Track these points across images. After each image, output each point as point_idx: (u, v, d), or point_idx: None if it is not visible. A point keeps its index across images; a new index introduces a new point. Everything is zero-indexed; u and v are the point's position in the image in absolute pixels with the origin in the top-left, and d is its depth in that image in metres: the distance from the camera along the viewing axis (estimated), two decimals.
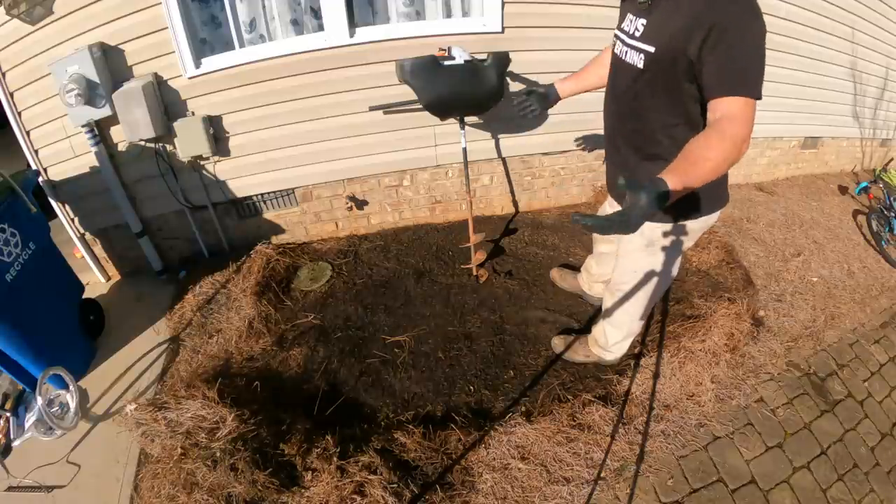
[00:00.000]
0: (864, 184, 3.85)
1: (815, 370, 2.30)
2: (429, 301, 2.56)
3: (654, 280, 1.68)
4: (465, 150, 2.41)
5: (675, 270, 1.70)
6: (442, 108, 2.23)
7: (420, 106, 2.23)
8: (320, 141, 2.74)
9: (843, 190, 4.22)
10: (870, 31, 3.78)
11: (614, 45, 1.42)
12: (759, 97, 1.11)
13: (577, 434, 1.85)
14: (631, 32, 1.29)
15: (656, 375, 2.10)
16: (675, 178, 1.04)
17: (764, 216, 3.43)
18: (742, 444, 1.94)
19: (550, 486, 1.73)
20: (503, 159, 3.05)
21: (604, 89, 1.57)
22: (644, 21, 1.24)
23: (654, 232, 1.53)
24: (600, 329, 2.04)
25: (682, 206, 1.30)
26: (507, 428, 1.88)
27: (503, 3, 2.51)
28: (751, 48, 1.09)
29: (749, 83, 1.10)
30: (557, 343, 2.24)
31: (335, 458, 1.71)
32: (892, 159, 4.90)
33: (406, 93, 2.25)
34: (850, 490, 1.89)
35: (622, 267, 1.72)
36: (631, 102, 1.36)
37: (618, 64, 1.39)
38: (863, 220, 3.66)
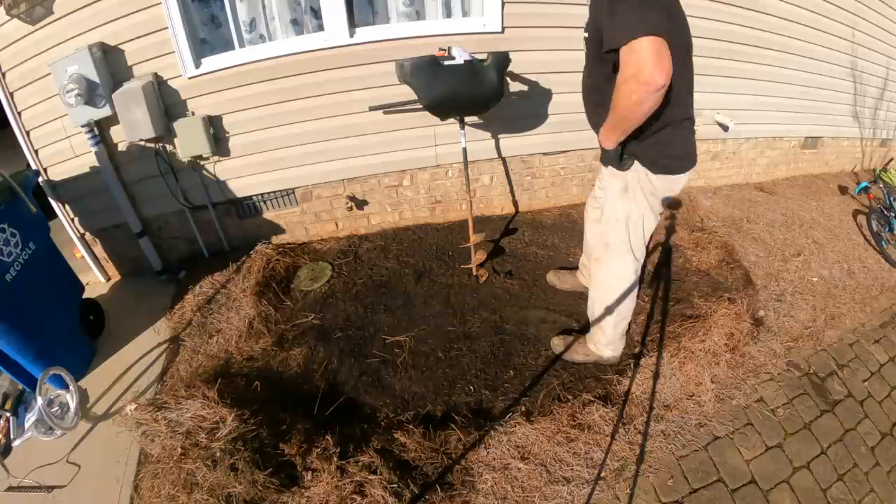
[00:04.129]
0: (864, 184, 3.85)
1: (815, 370, 2.30)
2: (429, 301, 2.56)
3: (630, 232, 1.83)
4: (464, 149, 2.41)
5: (648, 224, 1.84)
6: (442, 108, 2.23)
7: (420, 106, 2.23)
8: (320, 141, 2.74)
9: (843, 190, 4.22)
10: (870, 31, 3.78)
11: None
12: (637, 35, 1.28)
13: (577, 434, 1.85)
14: (586, 24, 1.64)
15: (656, 375, 2.10)
16: (608, 129, 1.57)
17: (764, 216, 3.43)
18: (742, 444, 1.94)
19: (550, 486, 1.73)
20: (503, 159, 3.05)
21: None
22: (588, 17, 1.61)
23: (627, 175, 1.75)
24: (595, 316, 2.08)
25: (645, 155, 1.66)
26: (507, 428, 1.87)
27: (503, 3, 2.51)
28: (631, 3, 1.30)
29: (629, 29, 1.29)
30: (557, 343, 2.25)
31: (335, 458, 1.71)
32: (892, 159, 4.90)
33: (406, 93, 2.25)
34: (850, 490, 1.89)
35: (606, 218, 1.89)
36: (586, 68, 1.76)
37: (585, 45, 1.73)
38: (863, 220, 3.66)
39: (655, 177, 1.69)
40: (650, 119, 1.48)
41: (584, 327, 2.36)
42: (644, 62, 1.29)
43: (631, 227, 1.83)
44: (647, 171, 1.69)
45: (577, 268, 2.59)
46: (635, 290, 1.98)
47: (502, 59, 2.23)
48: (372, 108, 2.55)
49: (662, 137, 1.62)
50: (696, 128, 1.73)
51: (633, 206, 1.78)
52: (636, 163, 1.69)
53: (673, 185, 1.75)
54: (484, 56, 2.20)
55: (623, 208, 1.80)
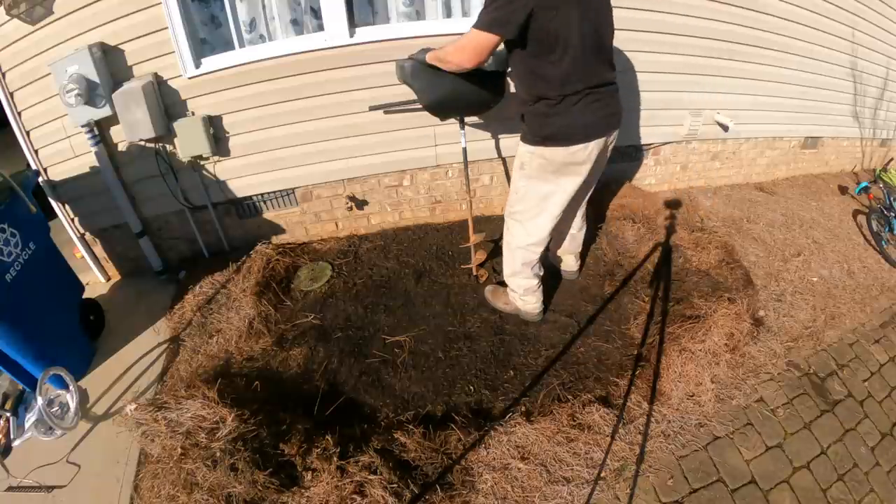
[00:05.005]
0: (864, 184, 3.85)
1: (815, 370, 2.30)
2: (429, 301, 2.56)
3: (529, 205, 2.05)
4: (465, 150, 2.41)
5: (551, 204, 2.01)
6: (443, 108, 2.22)
7: (420, 105, 2.22)
8: (320, 141, 2.74)
9: (843, 190, 4.22)
10: (870, 31, 3.78)
11: None
12: (480, 28, 1.63)
13: (577, 434, 1.85)
14: None
15: (656, 375, 2.10)
16: (432, 53, 1.88)
17: (764, 216, 3.43)
18: (742, 444, 1.94)
19: (550, 486, 1.73)
20: (503, 159, 3.05)
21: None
22: None
23: (522, 154, 1.98)
24: (505, 273, 2.33)
25: (533, 133, 1.88)
26: (507, 428, 1.87)
27: None
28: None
29: (479, 20, 1.64)
30: (488, 290, 2.53)
31: (335, 458, 1.71)
32: (892, 159, 4.90)
33: (406, 92, 2.25)
34: (850, 490, 1.89)
35: (510, 190, 2.14)
36: None
37: None
38: (863, 220, 3.66)
39: (542, 147, 1.88)
40: (526, 94, 1.83)
41: (584, 327, 2.36)
42: (462, 43, 1.69)
43: (528, 204, 2.05)
44: (534, 146, 1.90)
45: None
46: (534, 258, 2.19)
47: (503, 57, 2.22)
48: (372, 108, 2.54)
49: (538, 110, 1.82)
50: (599, 103, 1.84)
51: (528, 181, 2.00)
52: (524, 142, 1.95)
53: (557, 153, 1.87)
54: None
55: (523, 185, 2.02)
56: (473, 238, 2.54)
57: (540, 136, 1.86)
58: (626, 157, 3.37)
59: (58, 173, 2.64)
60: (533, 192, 2.01)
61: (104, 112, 2.39)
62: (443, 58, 1.81)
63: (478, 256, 2.62)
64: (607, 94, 1.84)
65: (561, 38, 1.63)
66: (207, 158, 2.69)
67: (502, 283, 2.48)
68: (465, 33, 1.68)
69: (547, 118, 1.81)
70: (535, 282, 2.27)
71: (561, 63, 1.68)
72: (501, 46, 2.40)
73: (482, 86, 2.15)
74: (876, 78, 4.12)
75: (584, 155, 1.86)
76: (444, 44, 1.83)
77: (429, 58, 1.89)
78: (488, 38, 1.62)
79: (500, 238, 2.99)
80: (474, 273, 2.65)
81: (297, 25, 2.55)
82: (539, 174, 1.95)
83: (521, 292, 2.30)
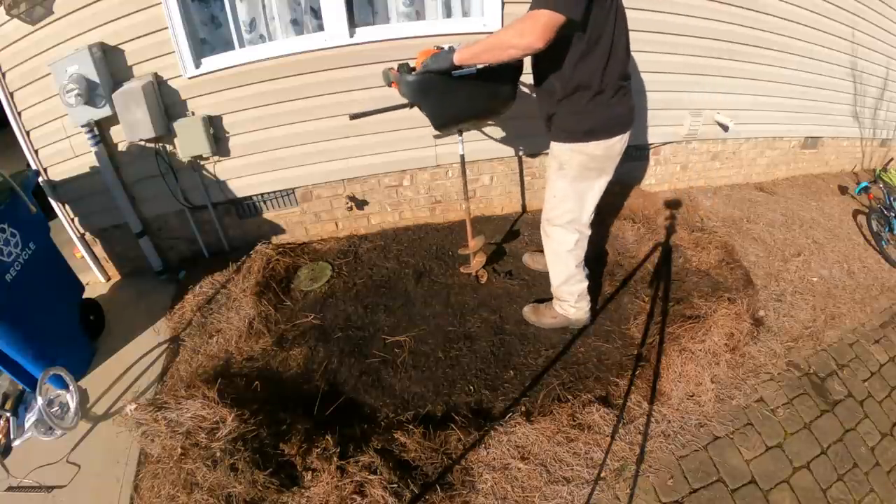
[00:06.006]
0: (864, 184, 3.85)
1: (815, 370, 2.30)
2: (429, 301, 2.56)
3: (571, 205, 1.99)
4: (462, 157, 2.32)
5: (589, 200, 1.99)
6: (456, 122, 2.06)
7: (404, 105, 2.05)
8: (320, 141, 2.74)
9: (843, 190, 4.22)
10: (870, 31, 3.78)
11: None
12: (551, 8, 1.48)
13: (577, 434, 1.85)
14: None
15: (656, 375, 2.10)
16: (466, 48, 1.70)
17: (764, 216, 3.43)
18: (742, 444, 1.94)
19: (550, 486, 1.73)
20: (503, 159, 3.05)
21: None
22: None
23: (561, 153, 1.90)
24: (550, 277, 2.27)
25: (572, 129, 1.82)
26: (507, 428, 1.87)
27: (503, 3, 2.51)
28: None
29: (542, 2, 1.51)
30: (528, 311, 2.41)
31: (335, 458, 1.71)
32: (892, 159, 4.90)
33: (390, 95, 2.11)
34: (850, 490, 1.89)
35: (546, 194, 2.06)
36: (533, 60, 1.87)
37: None
38: (863, 220, 3.66)
39: (585, 143, 1.83)
40: (564, 86, 1.75)
41: (584, 327, 2.36)
42: (532, 21, 1.52)
43: (573, 206, 2.00)
44: (573, 143, 1.84)
45: None
46: (582, 254, 2.15)
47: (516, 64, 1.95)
48: (353, 117, 2.14)
49: (576, 104, 1.77)
50: (629, 100, 1.86)
51: (569, 182, 1.94)
52: (562, 141, 1.87)
53: (600, 147, 1.84)
54: None
55: (563, 187, 1.96)
56: (472, 244, 2.50)
57: (580, 132, 1.82)
58: (628, 158, 3.37)
59: (58, 173, 2.64)
60: (573, 192, 1.96)
61: (104, 112, 2.39)
62: (500, 44, 1.62)
63: (477, 260, 2.57)
64: (629, 88, 1.85)
65: (607, 26, 1.64)
66: (207, 158, 2.69)
67: (539, 301, 2.45)
68: (524, 17, 1.55)
69: (586, 111, 1.78)
70: (586, 283, 2.23)
71: (605, 52, 1.68)
72: None
73: (496, 96, 2.04)
74: (876, 78, 4.13)
75: (620, 147, 1.87)
76: (468, 41, 1.71)
77: (473, 52, 1.69)
78: (557, 19, 1.50)
79: (500, 238, 3.03)
80: (474, 273, 2.65)
81: (297, 25, 2.55)
82: (580, 172, 1.91)
83: (575, 300, 2.23)
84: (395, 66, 1.98)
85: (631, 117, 1.88)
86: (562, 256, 2.14)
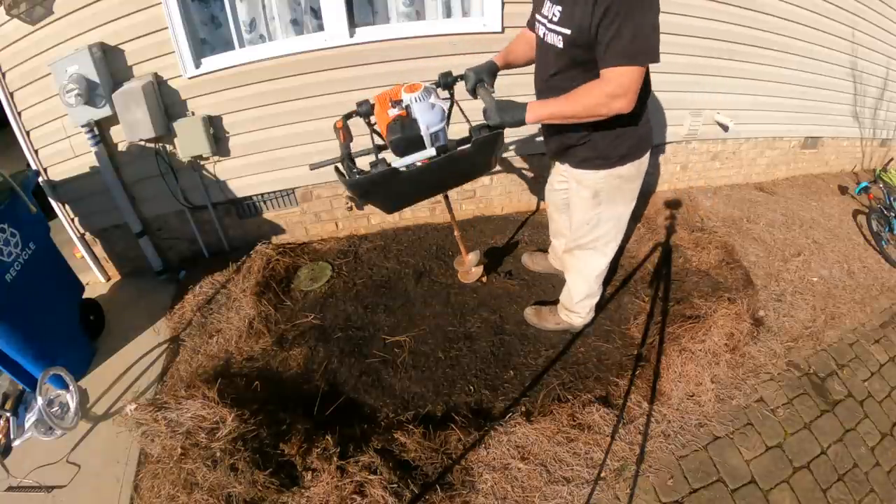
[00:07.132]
0: (864, 184, 3.85)
1: (815, 370, 2.30)
2: (429, 301, 2.56)
3: (606, 229, 1.89)
4: (449, 205, 2.18)
5: (624, 220, 1.90)
6: (414, 202, 1.95)
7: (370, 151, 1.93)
8: (321, 141, 2.74)
9: (843, 190, 4.22)
10: (870, 31, 3.77)
11: (537, 29, 1.63)
12: (638, 64, 1.34)
13: (577, 434, 1.85)
14: (550, 17, 1.51)
15: (656, 375, 2.10)
16: (541, 107, 1.51)
17: (764, 216, 3.43)
18: (742, 444, 1.95)
19: (550, 486, 1.73)
20: (502, 159, 3.05)
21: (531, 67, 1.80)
22: (560, 7, 1.46)
23: (595, 181, 1.76)
24: (566, 291, 2.22)
25: (607, 156, 1.68)
26: (507, 428, 1.88)
27: (503, 3, 2.51)
28: (636, 26, 1.30)
29: (627, 55, 1.33)
30: (529, 313, 2.39)
31: (335, 458, 1.71)
32: (892, 159, 4.90)
33: None
34: (850, 490, 1.89)
35: (576, 221, 1.94)
36: (553, 76, 1.61)
37: (541, 45, 1.63)
38: (863, 220, 3.66)
39: (621, 167, 1.71)
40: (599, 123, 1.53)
41: (583, 327, 2.36)
42: (622, 88, 1.37)
43: (607, 232, 1.90)
44: (608, 169, 1.72)
45: (547, 251, 2.66)
46: (608, 266, 2.08)
47: (494, 140, 1.67)
48: (313, 167, 2.06)
49: (612, 128, 1.63)
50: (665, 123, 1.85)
51: (604, 208, 1.83)
52: (595, 169, 1.73)
53: (635, 167, 1.75)
54: (478, 124, 1.68)
55: (597, 214, 1.84)
56: (468, 260, 2.42)
57: (616, 156, 1.69)
58: None
59: (58, 173, 2.64)
60: (608, 216, 1.85)
61: (104, 112, 2.39)
62: (585, 112, 1.45)
63: (475, 271, 2.46)
64: None
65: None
66: (207, 158, 2.68)
67: (541, 303, 2.45)
68: (609, 78, 1.37)
69: (624, 134, 1.65)
70: (599, 296, 2.21)
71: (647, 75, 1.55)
72: (498, 48, 2.32)
73: (465, 175, 1.87)
74: (876, 78, 4.12)
75: (647, 164, 1.79)
76: (566, 97, 1.46)
77: (549, 113, 1.51)
78: (642, 73, 1.38)
79: (505, 240, 3.02)
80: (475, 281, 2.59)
81: (297, 25, 2.55)
82: (616, 196, 1.80)
83: (587, 312, 2.22)
84: (339, 119, 1.84)
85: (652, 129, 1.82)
86: (589, 279, 2.08)
